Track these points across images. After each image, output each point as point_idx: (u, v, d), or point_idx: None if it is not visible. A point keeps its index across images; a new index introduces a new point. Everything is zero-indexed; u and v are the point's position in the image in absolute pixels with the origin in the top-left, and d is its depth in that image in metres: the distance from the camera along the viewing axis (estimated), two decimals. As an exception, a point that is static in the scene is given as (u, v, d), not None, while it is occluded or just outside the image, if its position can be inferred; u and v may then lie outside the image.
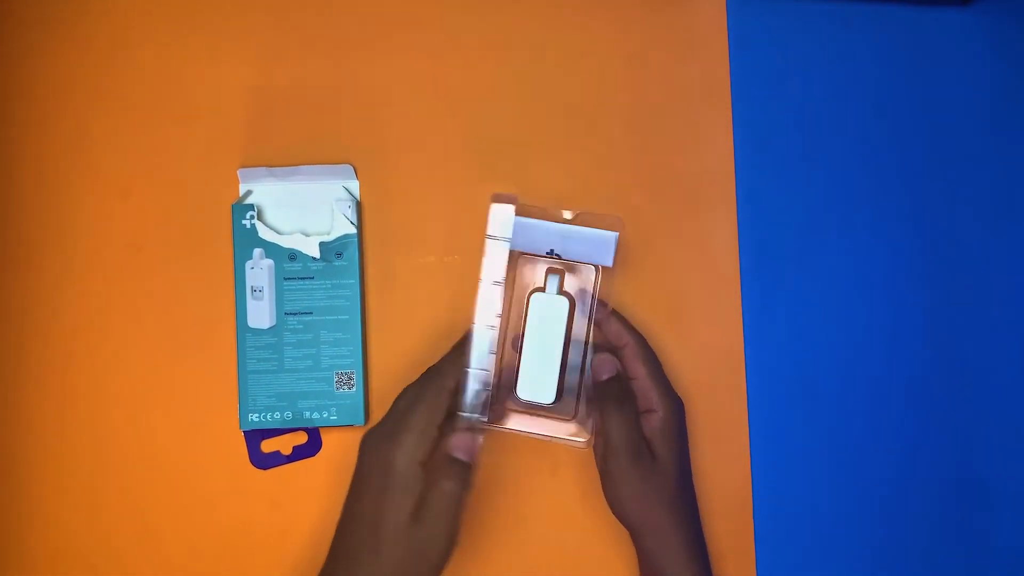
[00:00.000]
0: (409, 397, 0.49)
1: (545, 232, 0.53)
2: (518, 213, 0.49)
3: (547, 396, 0.51)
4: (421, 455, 0.47)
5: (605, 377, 0.52)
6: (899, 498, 0.58)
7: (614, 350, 0.53)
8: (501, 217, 0.48)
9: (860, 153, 0.59)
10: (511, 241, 0.48)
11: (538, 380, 0.51)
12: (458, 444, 0.48)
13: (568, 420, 0.53)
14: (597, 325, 0.53)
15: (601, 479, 0.52)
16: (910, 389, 0.58)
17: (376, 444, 0.48)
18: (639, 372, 0.52)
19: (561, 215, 0.57)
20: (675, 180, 0.59)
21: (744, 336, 0.57)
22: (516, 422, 0.53)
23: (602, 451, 0.51)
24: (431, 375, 0.50)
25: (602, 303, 0.53)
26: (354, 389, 0.56)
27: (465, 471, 0.48)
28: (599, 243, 0.52)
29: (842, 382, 0.58)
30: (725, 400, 0.57)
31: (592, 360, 0.52)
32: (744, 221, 0.58)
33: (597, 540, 0.56)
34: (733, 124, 0.59)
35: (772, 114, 0.59)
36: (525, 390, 0.51)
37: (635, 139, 0.59)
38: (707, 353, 0.58)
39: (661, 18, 0.59)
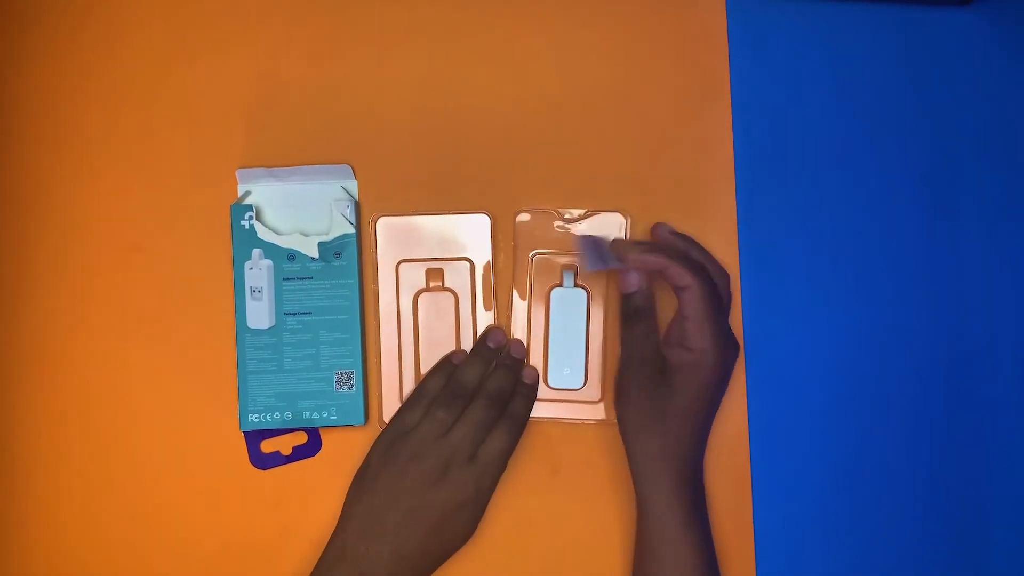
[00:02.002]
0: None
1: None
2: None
3: (575, 382, 0.56)
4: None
5: (628, 291, 0.54)
6: (899, 498, 0.57)
7: (678, 292, 0.52)
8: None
9: (860, 153, 0.59)
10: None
11: (566, 367, 0.56)
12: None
13: (596, 403, 0.57)
14: (658, 269, 0.52)
15: (615, 392, 0.54)
16: (910, 389, 0.58)
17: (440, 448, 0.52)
18: (692, 313, 0.51)
19: (564, 215, 0.57)
20: (675, 180, 0.58)
21: (744, 336, 0.57)
22: (547, 410, 0.57)
23: (618, 363, 0.54)
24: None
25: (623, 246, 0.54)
26: (354, 389, 0.56)
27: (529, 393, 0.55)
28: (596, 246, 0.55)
29: (842, 382, 0.58)
30: (725, 400, 0.57)
31: (621, 276, 0.54)
32: (744, 221, 0.58)
33: (597, 540, 0.56)
34: (733, 124, 0.59)
35: (772, 114, 0.59)
36: (555, 378, 0.56)
37: (635, 139, 0.59)
38: (707, 353, 0.58)
39: (661, 18, 0.59)
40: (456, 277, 0.57)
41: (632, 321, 0.53)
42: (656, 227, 0.56)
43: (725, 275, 0.55)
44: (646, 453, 0.51)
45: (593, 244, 0.54)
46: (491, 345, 0.56)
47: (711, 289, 0.52)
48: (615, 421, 0.54)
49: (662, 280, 0.53)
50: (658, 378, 0.52)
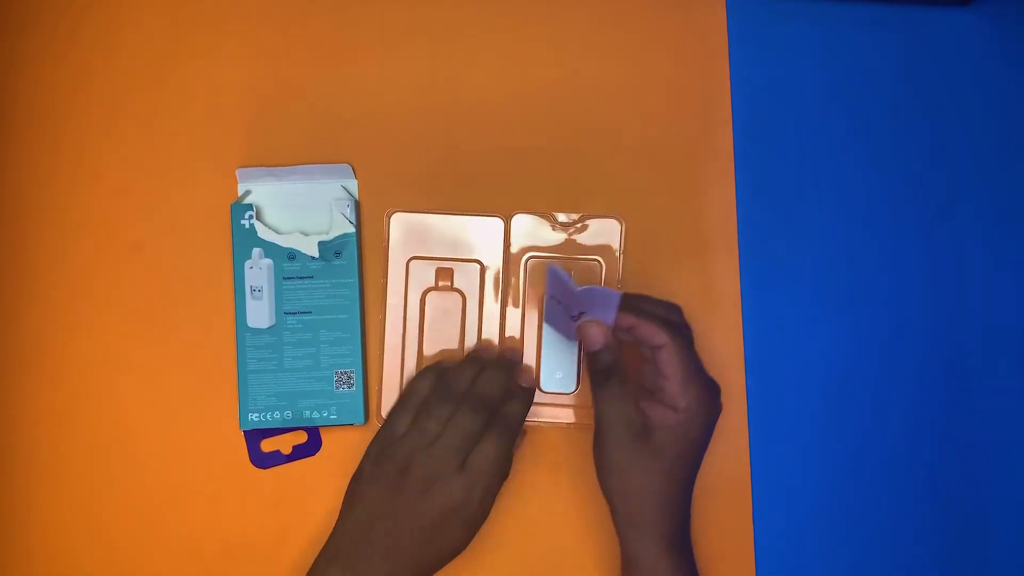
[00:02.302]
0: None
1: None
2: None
3: (568, 385, 0.57)
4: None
5: (594, 349, 0.50)
6: (899, 499, 0.57)
7: (652, 351, 0.50)
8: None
9: (860, 153, 0.59)
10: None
11: (559, 371, 0.56)
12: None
13: (591, 407, 0.55)
14: (625, 328, 0.50)
15: (595, 456, 0.52)
16: (910, 389, 0.58)
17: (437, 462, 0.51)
18: (671, 373, 0.49)
19: (559, 219, 0.57)
20: (675, 180, 0.58)
21: (744, 336, 0.57)
22: (543, 413, 0.57)
23: (596, 424, 0.51)
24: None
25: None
26: (354, 388, 0.56)
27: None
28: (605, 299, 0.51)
29: (842, 382, 0.58)
30: (725, 400, 0.57)
31: (582, 330, 0.51)
32: (744, 221, 0.58)
33: (596, 540, 0.56)
34: (733, 124, 0.59)
35: (772, 114, 0.59)
36: (548, 382, 0.56)
37: (635, 139, 0.59)
38: (707, 353, 0.58)
39: (661, 18, 0.59)
40: (465, 278, 0.57)
41: (603, 380, 0.50)
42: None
43: (678, 309, 0.53)
44: (634, 518, 0.50)
45: (559, 283, 0.51)
46: (483, 355, 0.55)
47: (686, 342, 0.50)
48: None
49: (631, 339, 0.51)
50: (641, 439, 0.49)
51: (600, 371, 0.50)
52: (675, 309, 0.52)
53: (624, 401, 0.50)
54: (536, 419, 0.57)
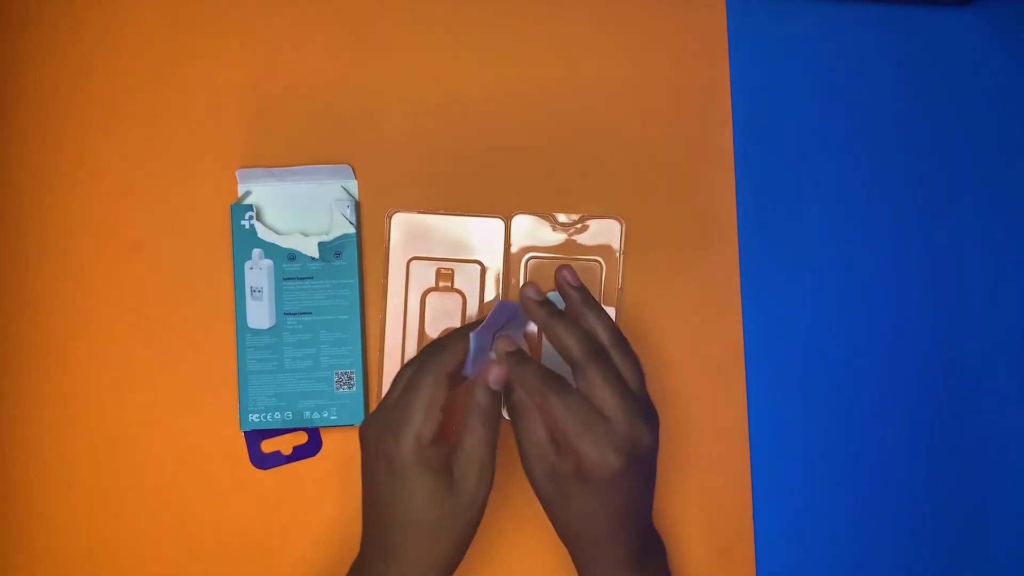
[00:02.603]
0: (406, 380, 0.48)
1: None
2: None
3: None
4: (428, 435, 0.45)
5: (496, 387, 0.47)
6: (899, 498, 0.57)
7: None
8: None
9: (860, 153, 0.59)
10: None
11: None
12: (492, 373, 0.46)
13: None
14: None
15: (541, 500, 0.49)
16: (910, 389, 0.58)
17: (378, 439, 0.47)
18: (566, 433, 0.45)
19: (559, 219, 0.57)
20: (675, 180, 0.58)
21: (744, 336, 0.57)
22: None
23: (526, 468, 0.48)
24: (431, 352, 0.48)
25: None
26: (354, 389, 0.56)
27: (491, 415, 0.47)
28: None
29: (842, 382, 0.58)
30: (725, 398, 0.57)
31: (485, 371, 0.47)
32: (744, 221, 0.58)
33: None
34: (733, 124, 0.59)
35: (772, 115, 0.59)
36: None
37: (635, 139, 0.59)
38: (707, 351, 0.58)
39: (661, 18, 0.59)
40: (466, 279, 0.57)
41: (519, 412, 0.47)
42: (558, 273, 0.50)
43: (607, 321, 0.49)
44: (584, 552, 0.48)
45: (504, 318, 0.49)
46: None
47: (569, 390, 0.46)
48: None
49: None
50: (574, 475, 0.46)
51: (513, 404, 0.48)
52: (598, 314, 0.49)
53: (540, 431, 0.47)
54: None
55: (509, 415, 0.49)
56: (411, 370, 0.48)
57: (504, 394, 0.48)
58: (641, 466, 0.47)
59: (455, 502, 0.46)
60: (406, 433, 0.46)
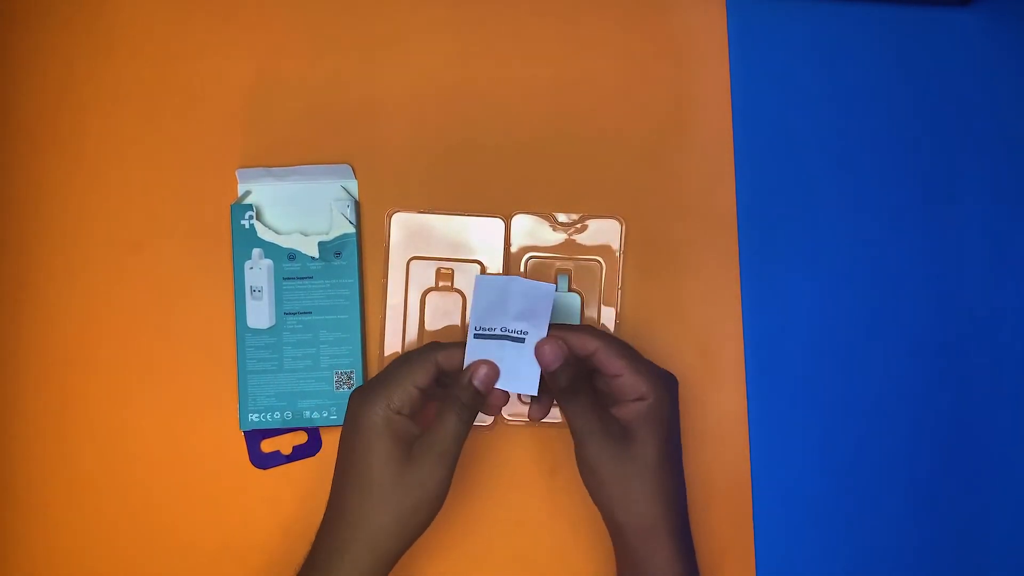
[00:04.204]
0: (398, 359, 0.50)
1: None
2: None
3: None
4: (398, 405, 0.48)
5: (554, 367, 0.49)
6: (899, 499, 0.57)
7: (588, 359, 0.50)
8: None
9: (860, 153, 0.59)
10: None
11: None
12: (480, 372, 0.49)
13: None
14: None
15: (582, 474, 0.51)
16: (911, 389, 0.58)
17: (354, 403, 0.49)
18: (620, 368, 0.49)
19: (559, 219, 0.57)
20: (675, 181, 0.58)
21: (744, 335, 0.57)
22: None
23: (575, 439, 0.50)
24: (435, 343, 0.51)
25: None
26: (354, 388, 0.56)
27: (466, 412, 0.49)
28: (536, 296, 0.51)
29: (842, 382, 0.58)
30: (725, 398, 0.57)
31: (536, 352, 0.50)
32: (744, 221, 0.58)
33: (596, 540, 0.56)
34: (733, 124, 0.59)
35: (772, 114, 0.59)
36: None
37: (635, 139, 0.59)
38: (707, 351, 0.58)
39: (661, 18, 0.59)
40: (466, 279, 0.57)
41: (570, 397, 0.49)
42: None
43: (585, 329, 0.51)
44: (643, 525, 0.49)
45: (492, 292, 0.50)
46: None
47: (613, 338, 0.50)
48: None
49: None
50: (624, 442, 0.49)
51: (565, 389, 0.49)
52: (582, 328, 0.51)
53: (595, 411, 0.49)
54: (532, 419, 0.56)
55: (564, 398, 0.50)
56: (404, 354, 0.51)
57: (550, 383, 0.49)
58: (678, 408, 0.51)
59: (406, 480, 0.47)
60: (375, 398, 0.48)
